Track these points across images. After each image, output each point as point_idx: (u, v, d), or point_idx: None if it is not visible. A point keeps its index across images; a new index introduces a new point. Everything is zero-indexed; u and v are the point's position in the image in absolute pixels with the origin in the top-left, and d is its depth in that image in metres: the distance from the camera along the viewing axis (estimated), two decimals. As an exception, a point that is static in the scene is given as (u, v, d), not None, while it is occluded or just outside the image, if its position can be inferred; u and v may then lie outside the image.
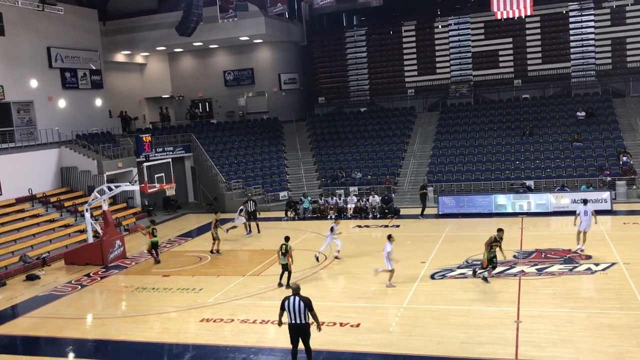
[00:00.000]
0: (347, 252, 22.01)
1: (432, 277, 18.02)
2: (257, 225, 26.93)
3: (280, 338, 14.08)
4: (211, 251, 23.10)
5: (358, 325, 14.39)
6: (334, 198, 30.30)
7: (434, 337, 13.32)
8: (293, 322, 11.60)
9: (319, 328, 11.73)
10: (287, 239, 17.96)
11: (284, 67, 42.11)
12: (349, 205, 29.59)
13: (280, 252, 17.71)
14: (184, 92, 43.34)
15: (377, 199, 29.21)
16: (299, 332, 11.66)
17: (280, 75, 41.79)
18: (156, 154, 33.54)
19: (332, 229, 21.20)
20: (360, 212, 29.23)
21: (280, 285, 17.87)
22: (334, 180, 33.67)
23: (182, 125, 40.26)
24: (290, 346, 11.85)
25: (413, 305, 15.60)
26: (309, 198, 30.78)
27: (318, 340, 13.55)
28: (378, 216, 28.63)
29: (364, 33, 42.31)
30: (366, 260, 20.54)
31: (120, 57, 40.56)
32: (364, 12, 44.24)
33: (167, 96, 43.87)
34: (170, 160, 27.02)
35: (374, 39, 42.05)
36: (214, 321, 15.51)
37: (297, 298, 11.54)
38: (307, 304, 11.49)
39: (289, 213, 30.25)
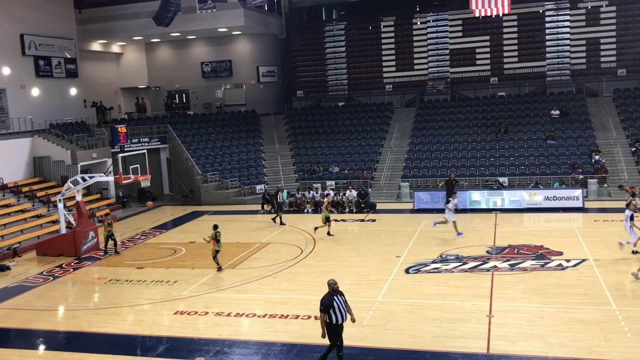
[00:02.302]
0: (324, 245, 22.09)
1: (407, 271, 18.17)
2: (281, 218, 26.70)
3: (255, 331, 14.12)
4: (328, 233, 23.66)
5: (333, 318, 14.44)
6: (311, 192, 30.33)
7: (408, 331, 13.45)
8: None
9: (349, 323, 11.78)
10: (215, 227, 19.33)
11: (262, 59, 41.91)
12: (325, 200, 29.57)
13: (213, 239, 19.10)
14: (160, 82, 42.87)
15: (354, 193, 29.32)
16: None
17: (259, 67, 41.59)
18: (131, 145, 33.19)
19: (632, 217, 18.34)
20: (337, 207, 29.30)
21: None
22: (311, 174, 33.68)
23: (158, 116, 39.86)
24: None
25: (387, 299, 15.72)
26: (286, 191, 30.73)
27: (293, 334, 13.64)
28: (354, 210, 28.74)
29: (343, 28, 42.29)
30: (342, 254, 20.64)
31: (96, 46, 39.94)
32: (343, 7, 44.25)
33: (144, 86, 43.35)
34: (145, 151, 26.74)
35: (352, 34, 42.07)
36: (188, 314, 15.45)
37: None
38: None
39: (265, 206, 30.19)
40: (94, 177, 24.76)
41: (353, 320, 11.82)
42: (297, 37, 43.23)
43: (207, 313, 15.38)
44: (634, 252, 18.20)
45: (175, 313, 15.56)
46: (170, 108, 41.53)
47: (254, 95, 41.85)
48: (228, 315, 15.18)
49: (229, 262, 20.31)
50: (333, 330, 11.54)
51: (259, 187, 33.03)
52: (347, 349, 12.78)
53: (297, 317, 14.62)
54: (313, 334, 13.54)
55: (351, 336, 13.33)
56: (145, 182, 24.67)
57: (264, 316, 14.92)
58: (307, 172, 34.19)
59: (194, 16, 34.29)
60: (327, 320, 11.45)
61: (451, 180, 27.86)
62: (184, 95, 43.28)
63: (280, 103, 42.37)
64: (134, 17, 36.52)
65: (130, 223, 28.64)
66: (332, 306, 11.38)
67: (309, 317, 14.57)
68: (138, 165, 25.19)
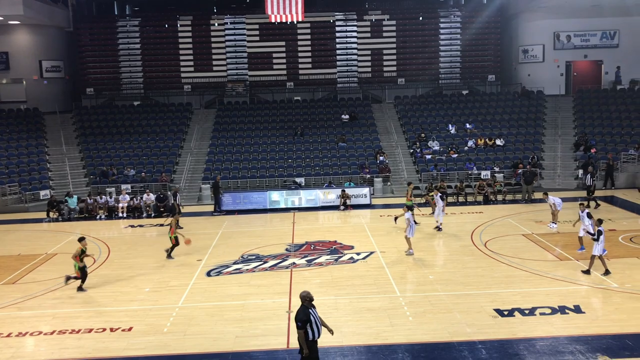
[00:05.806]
0: (119, 254, 20.92)
1: (208, 274, 18.00)
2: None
3: (41, 351, 12.83)
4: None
5: (130, 329, 13.72)
6: (104, 197, 28.51)
7: (210, 334, 13.31)
8: None
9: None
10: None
11: (46, 53, 38.36)
12: (120, 205, 28.08)
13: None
14: None
15: (152, 197, 28.24)
16: None
17: (42, 62, 38.01)
18: None
19: None
20: (134, 211, 27.95)
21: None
22: (104, 177, 31.65)
23: None
24: None
25: (188, 304, 15.40)
26: (76, 197, 28.49)
27: (86, 349, 12.70)
28: (153, 215, 27.68)
29: (138, 24, 40.58)
30: (140, 262, 19.74)
31: None
32: (137, 2, 42.48)
33: None
34: None
35: (148, 31, 40.58)
36: (-43, 339, 13.47)
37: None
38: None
39: (51, 214, 27.64)
40: None
41: (331, 332, 10.95)
42: (87, 31, 40.44)
43: (-19, 336, 13.57)
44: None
45: (-60, 340, 13.46)
46: None
47: (36, 91, 38.13)
48: (8, 336, 13.56)
49: (8, 276, 18.17)
50: (311, 347, 10.41)
51: (44, 193, 30.13)
52: (145, 359, 12.24)
53: (90, 330, 13.62)
54: (109, 347, 12.74)
55: (150, 345, 12.82)
56: None
57: (52, 333, 13.63)
58: (99, 175, 32.05)
59: (-40, 0, 30.18)
60: (305, 337, 10.30)
61: (217, 182, 28.28)
62: (-52, 89, 37.80)
63: (67, 101, 39.20)
64: None
65: None
66: (309, 320, 10.26)
67: (104, 329, 13.66)
68: None
